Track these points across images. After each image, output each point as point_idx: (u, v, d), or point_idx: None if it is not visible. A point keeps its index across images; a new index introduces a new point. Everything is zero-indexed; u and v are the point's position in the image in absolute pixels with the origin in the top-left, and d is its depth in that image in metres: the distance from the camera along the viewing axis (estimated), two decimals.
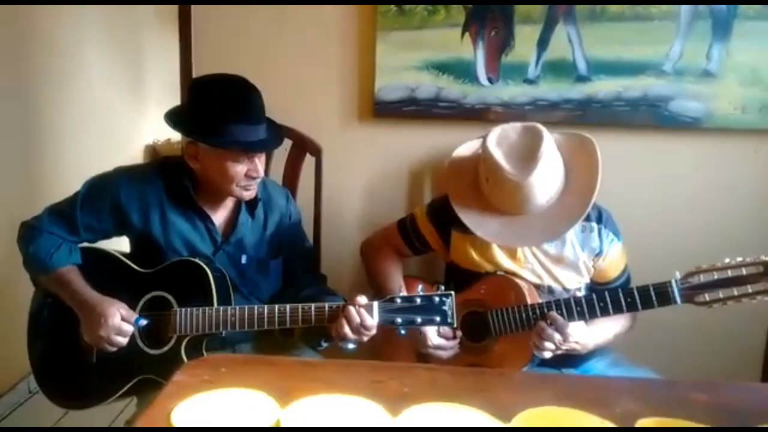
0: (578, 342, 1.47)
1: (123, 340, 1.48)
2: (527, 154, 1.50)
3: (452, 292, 1.38)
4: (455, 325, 1.41)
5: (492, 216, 1.57)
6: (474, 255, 1.63)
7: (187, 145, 1.53)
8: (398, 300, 1.39)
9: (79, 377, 1.59)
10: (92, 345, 1.51)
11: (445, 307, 1.38)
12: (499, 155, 1.51)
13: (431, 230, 1.71)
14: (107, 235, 1.62)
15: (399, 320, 1.39)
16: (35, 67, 2.72)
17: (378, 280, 1.74)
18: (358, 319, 1.38)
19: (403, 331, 1.40)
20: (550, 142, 1.52)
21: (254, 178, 1.53)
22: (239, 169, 1.50)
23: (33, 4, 2.64)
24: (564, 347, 1.45)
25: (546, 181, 1.51)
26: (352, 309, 1.39)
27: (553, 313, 1.45)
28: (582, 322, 1.48)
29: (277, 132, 1.61)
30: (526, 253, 1.60)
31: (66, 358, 1.60)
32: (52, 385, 1.63)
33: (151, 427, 1.04)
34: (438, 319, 1.38)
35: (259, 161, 1.53)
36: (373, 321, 1.39)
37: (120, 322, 1.47)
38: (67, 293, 1.53)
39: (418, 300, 1.38)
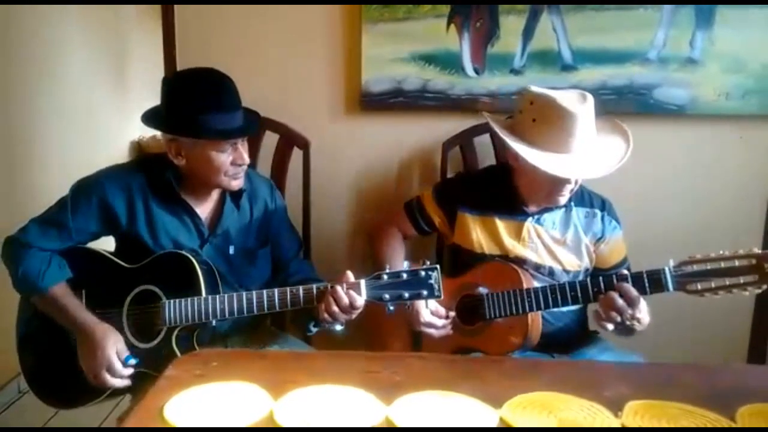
0: (641, 320, 1.46)
1: (113, 380, 1.48)
2: (576, 96, 1.53)
3: (437, 266, 1.39)
4: (441, 297, 1.40)
5: (539, 150, 1.54)
6: (479, 235, 1.65)
7: (168, 142, 1.52)
8: (385, 276, 1.39)
9: (70, 375, 1.57)
10: (86, 373, 1.50)
11: (432, 281, 1.38)
12: (551, 93, 1.53)
13: (438, 211, 1.73)
14: (96, 236, 1.61)
15: (386, 296, 1.38)
16: (17, 68, 2.68)
17: (381, 258, 1.73)
18: (346, 300, 1.39)
19: (392, 308, 1.39)
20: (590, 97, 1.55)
21: (240, 166, 1.53)
22: (224, 158, 1.50)
23: (14, 4, 2.60)
24: (628, 322, 1.44)
25: (592, 121, 1.53)
26: (339, 289, 1.40)
27: (627, 285, 1.42)
28: (644, 301, 1.46)
29: (254, 117, 1.62)
30: (531, 234, 1.62)
31: (57, 357, 1.58)
32: (44, 385, 1.62)
33: (142, 426, 1.04)
34: (425, 292, 1.38)
35: (243, 148, 1.53)
36: (360, 300, 1.39)
37: (113, 357, 1.47)
38: (63, 318, 1.51)
39: (405, 275, 1.38)
